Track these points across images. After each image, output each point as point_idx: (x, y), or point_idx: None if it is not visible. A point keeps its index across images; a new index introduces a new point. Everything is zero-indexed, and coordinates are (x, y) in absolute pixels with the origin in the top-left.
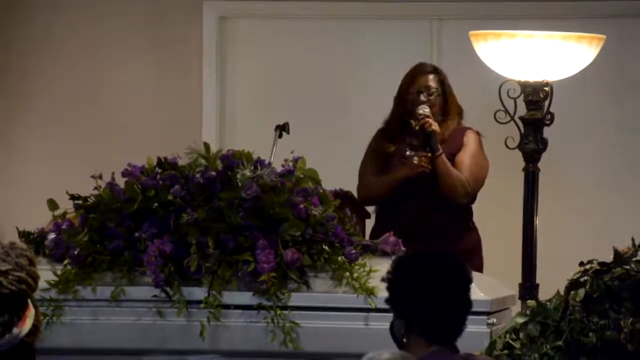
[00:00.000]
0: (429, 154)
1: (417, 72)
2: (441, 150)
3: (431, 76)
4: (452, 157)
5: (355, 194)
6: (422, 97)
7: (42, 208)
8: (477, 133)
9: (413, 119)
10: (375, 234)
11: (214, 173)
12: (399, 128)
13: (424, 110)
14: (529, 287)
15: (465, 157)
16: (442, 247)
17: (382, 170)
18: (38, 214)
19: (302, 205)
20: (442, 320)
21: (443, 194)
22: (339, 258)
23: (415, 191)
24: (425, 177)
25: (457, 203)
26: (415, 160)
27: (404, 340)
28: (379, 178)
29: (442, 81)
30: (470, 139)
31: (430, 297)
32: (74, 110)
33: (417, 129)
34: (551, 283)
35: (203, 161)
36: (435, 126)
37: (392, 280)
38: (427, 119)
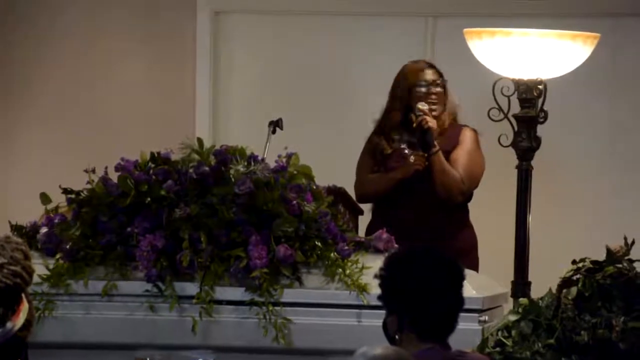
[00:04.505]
0: (426, 154)
1: (418, 67)
2: (437, 147)
3: (431, 70)
4: (447, 155)
5: (348, 190)
6: (432, 89)
7: (35, 202)
8: (474, 131)
9: (414, 114)
10: (371, 231)
11: (207, 168)
12: (396, 124)
13: (423, 106)
14: (521, 284)
15: (461, 154)
16: (437, 246)
17: (379, 168)
18: (30, 207)
19: (295, 202)
20: (434, 317)
21: (438, 191)
22: (332, 254)
23: (412, 190)
24: (421, 176)
25: (452, 201)
26: (412, 159)
27: (397, 337)
28: (377, 176)
29: (441, 75)
30: (466, 137)
31: (422, 294)
32: (67, 105)
33: (414, 126)
34: (543, 281)
35: (196, 156)
36: (432, 123)
37: (385, 277)
38: (424, 116)
